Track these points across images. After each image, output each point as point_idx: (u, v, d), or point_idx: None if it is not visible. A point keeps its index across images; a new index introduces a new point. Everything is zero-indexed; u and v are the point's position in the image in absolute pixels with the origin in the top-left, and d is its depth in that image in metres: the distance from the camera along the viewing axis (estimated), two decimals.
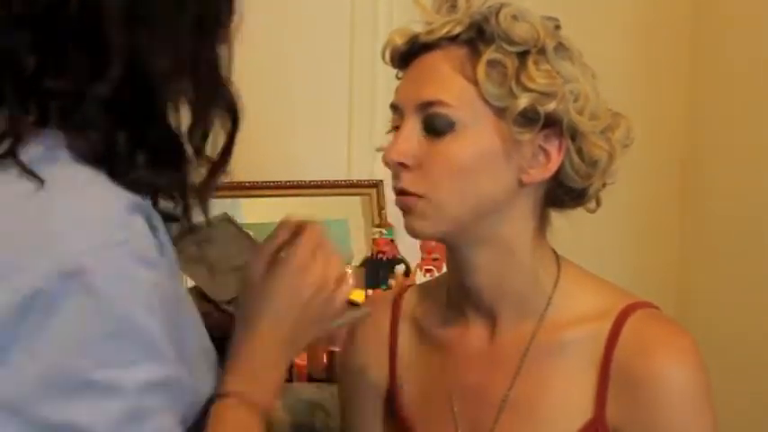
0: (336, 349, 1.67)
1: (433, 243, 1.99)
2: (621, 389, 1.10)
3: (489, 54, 1.08)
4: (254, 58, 2.10)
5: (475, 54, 1.09)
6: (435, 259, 2.00)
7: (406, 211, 1.11)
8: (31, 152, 0.85)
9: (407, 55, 1.14)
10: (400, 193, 1.11)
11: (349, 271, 1.09)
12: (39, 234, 0.82)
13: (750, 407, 2.19)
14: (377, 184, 2.21)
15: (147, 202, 0.87)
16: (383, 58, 1.17)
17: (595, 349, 1.12)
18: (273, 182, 2.14)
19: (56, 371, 0.81)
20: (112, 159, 0.86)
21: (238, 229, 1.20)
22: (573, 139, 1.11)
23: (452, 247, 1.15)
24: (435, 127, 1.09)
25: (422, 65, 1.12)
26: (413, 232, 1.12)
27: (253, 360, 1.00)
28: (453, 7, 1.12)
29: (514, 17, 1.09)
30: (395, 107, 1.14)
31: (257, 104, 2.33)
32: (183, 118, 0.92)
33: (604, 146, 1.12)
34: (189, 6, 0.88)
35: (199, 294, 1.18)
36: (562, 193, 1.15)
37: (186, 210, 0.92)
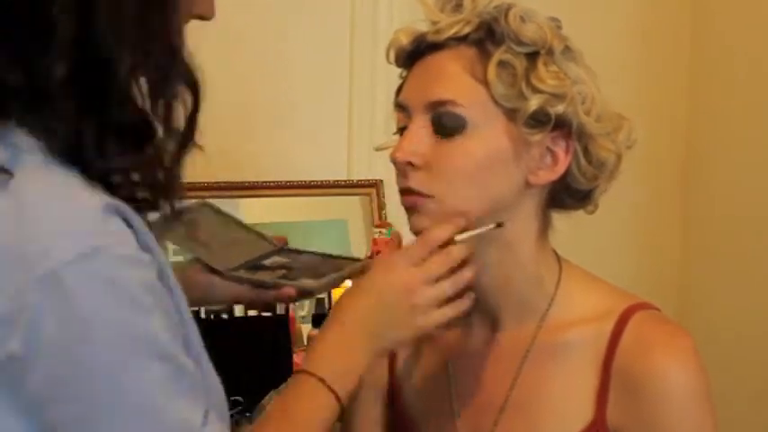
0: None
1: None
2: (622, 390, 1.10)
3: (499, 55, 1.08)
4: (254, 58, 2.11)
5: (484, 55, 1.09)
6: None
7: (413, 209, 1.11)
8: None
9: (413, 54, 1.13)
10: (407, 192, 1.10)
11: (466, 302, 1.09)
12: (14, 249, 0.80)
13: (750, 407, 2.20)
14: (377, 184, 2.21)
15: (123, 203, 0.85)
16: (387, 57, 1.16)
17: (596, 350, 1.12)
18: (273, 182, 2.14)
19: (58, 380, 0.80)
20: (82, 151, 0.84)
21: (217, 211, 1.21)
22: (579, 140, 1.11)
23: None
24: (446, 126, 1.09)
25: (429, 64, 1.11)
26: (419, 232, 1.11)
27: (332, 346, 1.04)
28: (459, 6, 1.11)
29: (522, 18, 1.09)
30: (401, 106, 1.13)
31: (258, 104, 2.34)
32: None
33: (612, 147, 1.12)
34: None
35: (203, 265, 1.20)
36: (566, 195, 1.15)
37: (166, 192, 0.90)
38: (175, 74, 0.88)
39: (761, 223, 2.24)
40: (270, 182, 2.13)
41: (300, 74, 2.17)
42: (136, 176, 0.88)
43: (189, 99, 0.90)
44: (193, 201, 1.18)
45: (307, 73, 2.18)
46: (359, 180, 2.22)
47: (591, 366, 1.12)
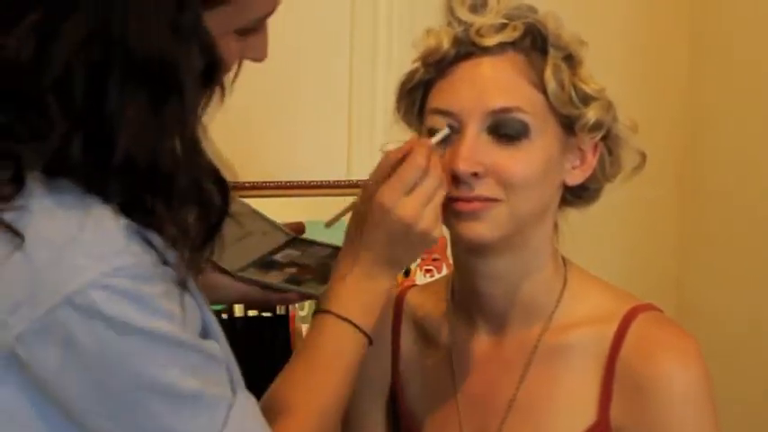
0: None
1: None
2: (625, 391, 1.10)
3: (552, 60, 1.09)
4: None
5: (533, 60, 1.10)
6: (435, 259, 2.00)
7: (472, 216, 1.08)
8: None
9: (452, 59, 1.11)
10: (468, 199, 1.08)
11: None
12: (42, 272, 0.83)
13: (750, 407, 2.20)
14: None
15: (139, 226, 0.87)
16: (423, 60, 1.13)
17: (600, 352, 1.12)
18: (273, 182, 2.14)
19: (97, 386, 0.85)
20: (104, 188, 0.86)
21: (245, 205, 1.20)
22: (605, 140, 1.13)
23: (482, 253, 1.13)
24: (510, 133, 1.08)
25: (480, 70, 1.10)
26: (478, 238, 1.09)
27: (351, 282, 1.06)
28: (483, 7, 1.11)
29: (558, 22, 1.10)
30: (447, 113, 1.10)
31: (258, 105, 2.34)
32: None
33: (635, 147, 1.15)
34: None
35: (213, 266, 1.19)
36: (579, 194, 1.16)
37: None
38: (190, 165, 0.88)
39: (759, 223, 2.24)
40: (270, 182, 2.13)
41: (300, 74, 2.17)
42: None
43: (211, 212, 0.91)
44: None
45: (307, 73, 2.17)
46: (359, 180, 2.21)
47: (594, 368, 1.12)
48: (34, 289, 0.83)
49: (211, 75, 0.89)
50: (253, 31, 0.96)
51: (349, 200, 1.15)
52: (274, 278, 1.22)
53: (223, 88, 0.92)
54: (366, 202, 1.08)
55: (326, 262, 1.21)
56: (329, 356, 1.04)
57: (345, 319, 1.05)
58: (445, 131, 1.09)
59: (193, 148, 0.88)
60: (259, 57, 0.98)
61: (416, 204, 1.05)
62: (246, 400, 0.93)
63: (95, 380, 0.85)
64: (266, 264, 1.23)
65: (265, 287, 1.21)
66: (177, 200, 0.87)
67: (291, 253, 1.22)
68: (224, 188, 0.92)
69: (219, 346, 0.92)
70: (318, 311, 1.07)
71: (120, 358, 0.84)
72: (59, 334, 0.83)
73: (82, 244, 0.84)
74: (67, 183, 0.86)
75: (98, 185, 0.85)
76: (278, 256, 1.23)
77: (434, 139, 1.09)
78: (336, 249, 1.22)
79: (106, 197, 0.86)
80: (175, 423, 0.87)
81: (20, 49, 0.83)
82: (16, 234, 0.83)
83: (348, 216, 1.13)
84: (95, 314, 0.83)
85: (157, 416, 0.86)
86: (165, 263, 0.88)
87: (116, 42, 0.83)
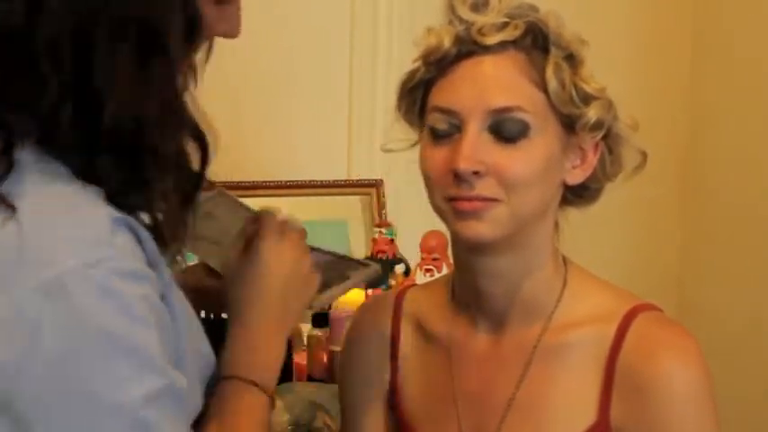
0: (337, 349, 1.67)
1: (434, 243, 1.98)
2: (626, 391, 1.10)
3: (553, 60, 1.09)
4: (254, 58, 2.10)
5: (535, 59, 1.09)
6: (435, 259, 2.00)
7: (472, 215, 1.08)
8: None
9: (453, 57, 1.11)
10: (469, 198, 1.08)
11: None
12: (21, 255, 0.81)
13: (751, 405, 2.19)
14: (377, 184, 2.21)
15: (132, 218, 0.86)
16: (424, 59, 1.12)
17: (600, 351, 1.12)
18: (274, 181, 2.14)
19: (54, 391, 0.80)
20: (93, 173, 0.85)
21: (234, 200, 1.20)
22: (605, 140, 1.13)
23: (483, 252, 1.12)
24: (511, 132, 1.08)
25: (481, 69, 1.09)
26: (478, 237, 1.08)
27: (249, 344, 1.03)
28: (485, 6, 1.10)
29: (560, 21, 1.10)
30: (448, 111, 1.09)
31: (258, 104, 2.34)
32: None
33: (637, 146, 1.15)
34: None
35: (206, 269, 1.18)
36: (580, 193, 1.16)
37: (169, 233, 0.91)
38: (176, 126, 0.88)
39: (760, 222, 2.24)
40: (270, 181, 2.14)
41: (301, 73, 2.17)
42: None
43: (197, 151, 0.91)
44: (209, 192, 1.16)
45: (307, 72, 2.18)
46: (359, 180, 2.22)
47: (594, 367, 1.12)
48: (10, 274, 0.81)
49: (192, 33, 0.88)
50: (227, 1, 0.96)
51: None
52: None
53: (195, 70, 0.92)
54: None
55: (324, 269, 1.20)
56: (241, 417, 1.00)
57: (253, 383, 1.01)
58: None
59: (178, 110, 0.88)
60: (231, 31, 0.96)
61: (302, 248, 1.07)
62: None
63: (52, 383, 0.80)
64: None
65: None
66: (161, 166, 0.86)
67: None
68: (204, 145, 0.91)
69: (185, 377, 0.88)
70: (223, 377, 1.03)
71: (81, 361, 0.80)
72: (27, 324, 0.80)
73: (66, 231, 0.82)
74: (58, 166, 0.85)
75: (86, 157, 0.84)
76: None
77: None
78: (336, 257, 1.21)
79: (94, 173, 0.84)
80: None
81: (10, 13, 0.83)
82: (8, 206, 0.82)
83: None
84: (67, 305, 0.80)
85: None
86: (152, 265, 0.86)
87: (101, 3, 0.84)
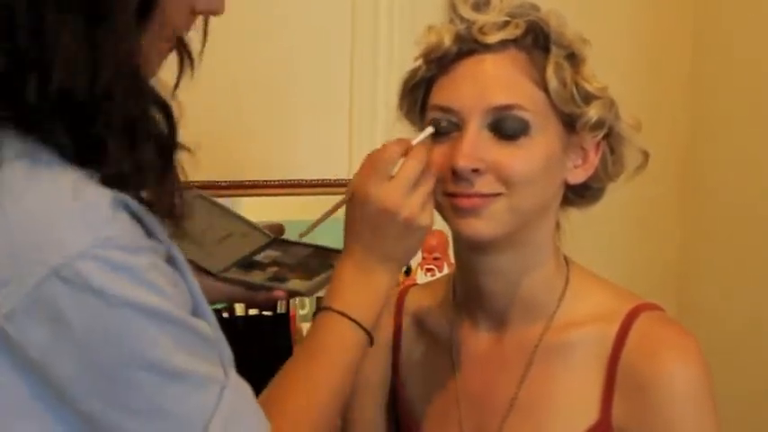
0: None
1: (434, 242, 1.99)
2: (627, 390, 1.10)
3: (554, 59, 1.09)
4: (254, 57, 2.10)
5: (536, 58, 1.10)
6: (436, 258, 2.00)
7: (472, 212, 1.08)
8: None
9: (454, 56, 1.11)
10: (468, 195, 1.08)
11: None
12: (26, 242, 0.82)
13: (750, 405, 2.19)
14: None
15: (126, 196, 0.87)
16: (425, 57, 1.13)
17: (602, 351, 1.12)
18: (274, 181, 2.13)
19: (89, 364, 0.83)
20: (84, 152, 0.86)
21: (212, 202, 1.20)
22: (607, 139, 1.13)
23: (483, 250, 1.13)
24: (511, 130, 1.08)
25: (482, 67, 1.10)
26: (477, 235, 1.09)
27: (347, 278, 1.06)
28: (485, 5, 1.11)
29: (561, 20, 1.10)
30: (448, 109, 1.10)
31: (258, 103, 2.34)
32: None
33: (639, 146, 1.15)
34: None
35: (195, 268, 1.19)
36: (582, 193, 1.16)
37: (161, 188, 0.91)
38: (136, 96, 0.88)
39: (760, 222, 2.24)
40: (270, 181, 2.13)
41: (301, 72, 2.17)
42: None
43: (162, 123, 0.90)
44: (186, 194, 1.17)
45: (307, 71, 2.17)
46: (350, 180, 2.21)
47: (596, 367, 1.12)
48: (19, 263, 0.82)
49: (147, 8, 0.87)
50: None
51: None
52: (258, 277, 1.22)
53: (192, 58, 0.93)
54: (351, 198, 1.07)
55: (308, 261, 1.21)
56: (329, 352, 1.04)
57: (344, 315, 1.04)
58: (428, 130, 1.09)
59: (133, 76, 0.87)
60: (212, 7, 0.94)
61: (397, 190, 1.04)
62: (238, 383, 0.92)
63: (85, 357, 0.83)
64: (248, 264, 1.23)
65: (251, 287, 1.21)
66: (129, 136, 0.86)
67: (272, 253, 1.22)
68: (169, 113, 0.90)
69: (210, 326, 0.91)
70: (318, 309, 1.07)
71: (109, 333, 0.83)
72: (48, 310, 0.81)
73: (66, 213, 0.83)
74: (40, 148, 0.85)
75: (46, 128, 0.84)
76: (259, 257, 1.23)
77: (416, 141, 1.08)
78: (318, 248, 1.22)
79: (82, 155, 0.85)
80: (167, 402, 0.85)
81: None
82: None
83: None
84: (85, 287, 0.81)
85: (148, 395, 0.85)
86: (151, 235, 0.87)
87: None
